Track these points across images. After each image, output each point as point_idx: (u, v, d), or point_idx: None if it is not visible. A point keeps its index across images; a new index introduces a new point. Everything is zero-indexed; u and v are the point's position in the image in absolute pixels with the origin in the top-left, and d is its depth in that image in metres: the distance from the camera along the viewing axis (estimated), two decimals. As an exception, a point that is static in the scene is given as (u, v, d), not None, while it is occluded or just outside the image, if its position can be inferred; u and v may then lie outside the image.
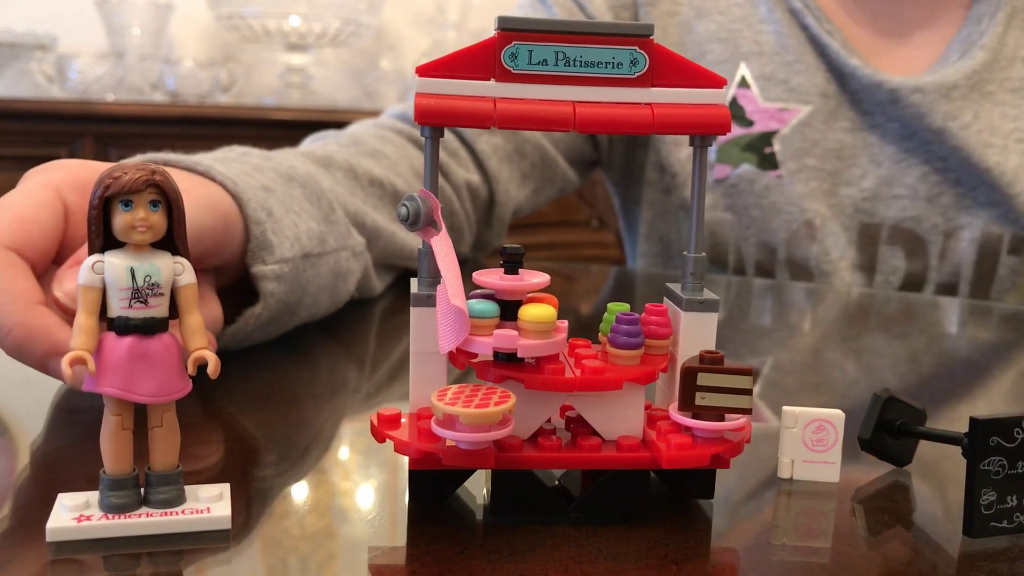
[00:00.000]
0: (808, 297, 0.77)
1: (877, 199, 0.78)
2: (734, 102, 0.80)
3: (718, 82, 0.33)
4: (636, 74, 0.33)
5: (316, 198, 0.56)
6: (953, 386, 0.56)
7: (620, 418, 0.33)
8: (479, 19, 1.95)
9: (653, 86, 0.33)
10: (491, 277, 0.32)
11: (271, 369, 0.51)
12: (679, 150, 0.82)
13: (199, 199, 0.47)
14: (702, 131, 0.33)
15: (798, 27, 0.78)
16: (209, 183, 0.48)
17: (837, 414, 0.36)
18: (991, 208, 0.77)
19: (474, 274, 0.32)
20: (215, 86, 1.77)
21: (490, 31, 0.33)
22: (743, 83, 0.79)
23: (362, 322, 0.62)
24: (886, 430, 0.37)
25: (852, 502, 0.36)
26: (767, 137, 0.79)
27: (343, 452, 0.41)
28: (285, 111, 1.69)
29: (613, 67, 0.33)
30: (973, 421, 0.31)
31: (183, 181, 0.50)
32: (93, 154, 1.51)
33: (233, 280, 0.50)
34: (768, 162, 0.79)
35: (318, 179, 0.58)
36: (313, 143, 0.72)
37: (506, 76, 0.32)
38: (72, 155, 1.51)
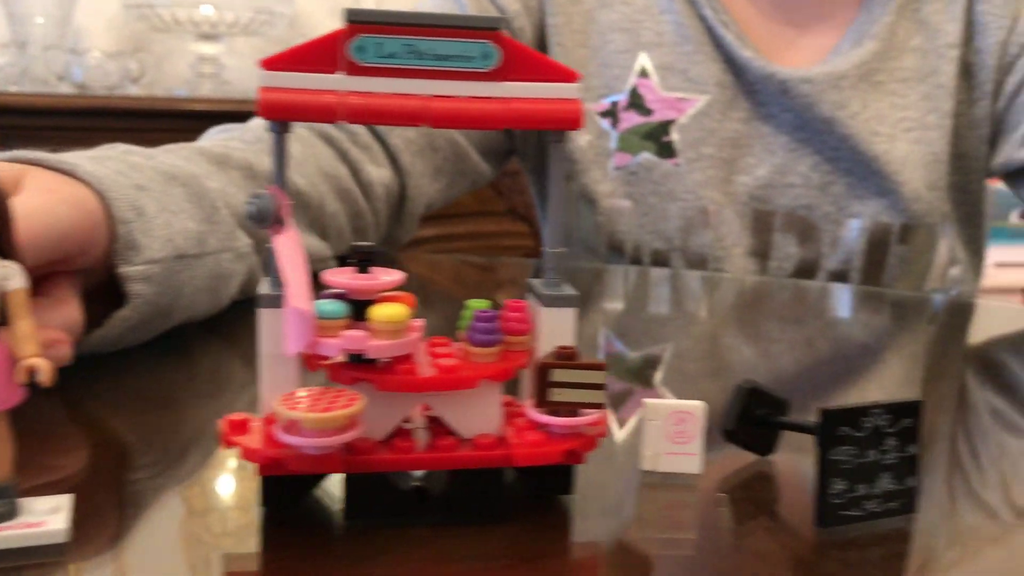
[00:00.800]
0: (704, 285, 0.77)
1: (771, 187, 0.80)
2: (634, 91, 0.80)
3: (570, 76, 0.33)
4: (488, 68, 0.32)
5: (198, 198, 0.54)
6: (844, 372, 0.57)
7: (477, 416, 0.32)
8: (396, 7, 1.92)
9: (505, 80, 0.32)
10: (341, 276, 0.31)
11: (148, 370, 0.49)
12: (579, 136, 0.82)
13: (64, 198, 0.45)
14: (553, 126, 0.33)
15: (696, 17, 0.79)
16: (76, 182, 0.47)
17: (698, 406, 0.36)
18: (880, 197, 0.78)
19: (323, 273, 0.32)
20: (124, 77, 1.72)
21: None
22: (643, 73, 0.80)
23: (248, 319, 0.61)
24: (749, 421, 0.37)
25: (717, 493, 0.36)
26: (665, 126, 0.79)
27: (221, 455, 0.39)
28: (197, 102, 1.65)
29: (464, 61, 0.32)
30: (822, 412, 0.32)
31: (50, 180, 0.48)
32: (-8, 148, 1.46)
33: (104, 281, 0.48)
34: (667, 150, 0.80)
35: (204, 178, 0.57)
36: (217, 136, 0.70)
37: (354, 69, 0.31)
38: (-30, 149, 1.46)
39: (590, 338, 0.62)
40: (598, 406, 0.32)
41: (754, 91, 0.78)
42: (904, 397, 0.33)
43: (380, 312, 0.30)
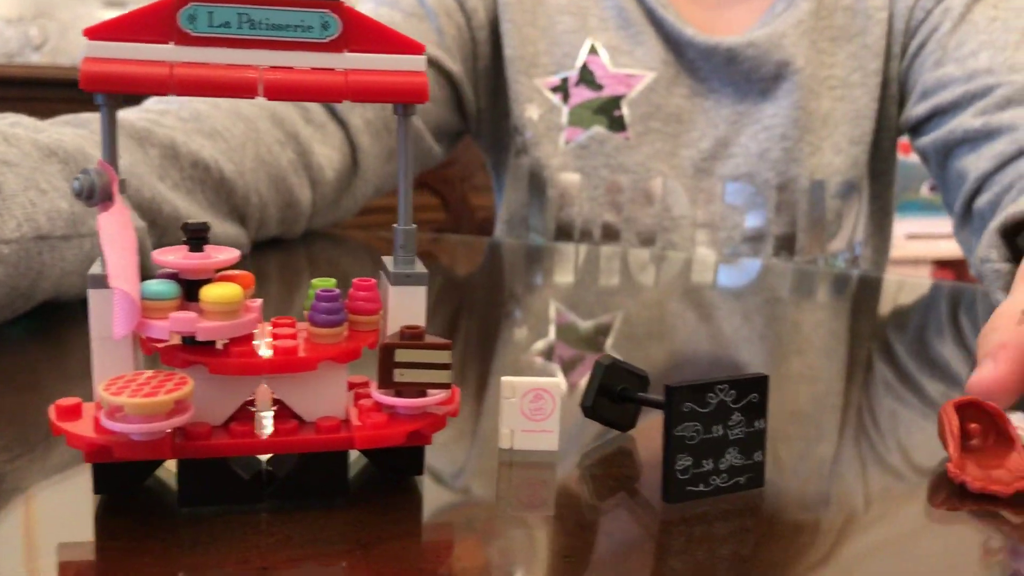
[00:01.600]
0: (654, 262, 0.78)
1: (715, 159, 0.81)
2: (585, 68, 0.82)
3: (417, 48, 0.32)
4: (328, 38, 0.31)
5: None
6: (776, 346, 0.57)
7: (320, 399, 0.32)
8: None
9: (347, 51, 0.31)
10: (171, 256, 0.30)
11: (14, 350, 0.48)
12: (530, 110, 0.82)
13: None
14: (398, 99, 0.32)
15: (636, 2, 0.81)
16: None
17: (554, 382, 0.36)
18: (813, 156, 0.80)
19: (153, 253, 0.30)
20: (25, 44, 1.65)
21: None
22: (593, 51, 0.81)
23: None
24: (609, 396, 0.37)
25: (577, 469, 0.36)
26: (616, 101, 0.81)
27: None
28: None
29: (303, 31, 0.31)
30: (666, 388, 0.32)
31: None
32: None
33: None
34: (617, 124, 0.81)
35: (94, 156, 0.55)
36: (154, 107, 0.68)
37: (185, 39, 0.30)
38: None
39: (541, 312, 0.63)
40: (445, 386, 0.31)
41: (695, 68, 0.80)
42: (750, 373, 0.33)
43: (210, 293, 0.29)
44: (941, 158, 0.78)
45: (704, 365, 0.53)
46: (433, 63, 0.81)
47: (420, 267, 0.33)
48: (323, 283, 0.32)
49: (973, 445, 0.37)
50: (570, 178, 0.82)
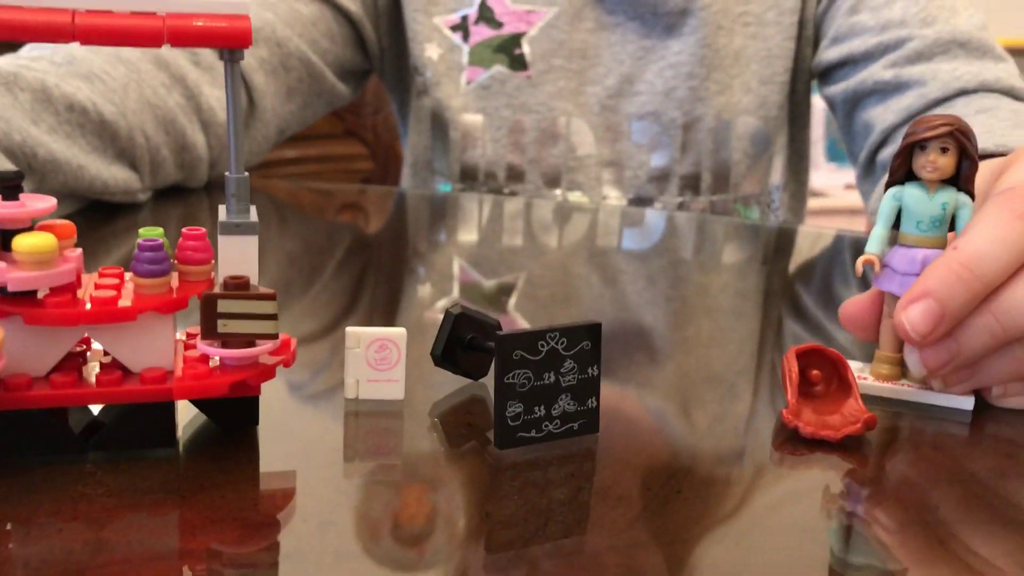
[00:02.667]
0: (558, 214, 0.78)
1: (620, 96, 0.80)
2: (483, 4, 0.80)
3: (240, -9, 0.31)
4: (147, -19, 0.30)
5: None
6: (681, 308, 0.58)
7: (144, 350, 0.31)
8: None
9: (168, -6, 0.30)
10: (-17, 205, 0.30)
11: None
12: (429, 49, 0.80)
13: None
14: (221, 44, 0.31)
15: None
16: None
17: (399, 332, 0.36)
18: (720, 96, 0.80)
19: (-36, 203, 0.30)
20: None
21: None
22: None
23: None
24: (459, 345, 0.37)
25: (427, 418, 0.36)
26: (516, 39, 0.79)
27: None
28: None
29: (120, -28, 0.30)
30: (497, 337, 0.32)
31: None
32: None
33: None
34: (518, 63, 0.79)
35: None
36: (27, 54, 0.66)
37: (-6, -19, 0.29)
38: None
39: (445, 269, 0.62)
40: (272, 336, 0.31)
41: (602, 0, 0.78)
42: (585, 320, 0.33)
43: (22, 243, 0.29)
44: (849, 108, 0.79)
45: (607, 331, 0.53)
46: (330, 1, 0.79)
47: (253, 216, 0.33)
48: (149, 232, 0.32)
49: (816, 391, 0.37)
50: (472, 119, 0.81)
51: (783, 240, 0.76)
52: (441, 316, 0.37)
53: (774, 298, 0.60)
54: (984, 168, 0.40)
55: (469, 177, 0.84)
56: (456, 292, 0.57)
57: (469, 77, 0.80)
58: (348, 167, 1.35)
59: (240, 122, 0.33)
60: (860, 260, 0.39)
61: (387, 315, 0.52)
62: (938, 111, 0.72)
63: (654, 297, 0.58)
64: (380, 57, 0.87)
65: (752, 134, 0.83)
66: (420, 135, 0.87)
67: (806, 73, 0.86)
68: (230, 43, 0.31)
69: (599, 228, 0.76)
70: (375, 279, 0.61)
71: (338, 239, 0.71)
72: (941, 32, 0.73)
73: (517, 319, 0.51)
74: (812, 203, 1.36)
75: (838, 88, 0.78)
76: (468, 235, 0.73)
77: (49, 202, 0.30)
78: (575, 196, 0.84)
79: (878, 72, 0.75)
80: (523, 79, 0.80)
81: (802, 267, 0.70)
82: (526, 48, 0.80)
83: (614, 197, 0.84)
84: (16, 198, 0.30)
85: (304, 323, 0.49)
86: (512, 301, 0.54)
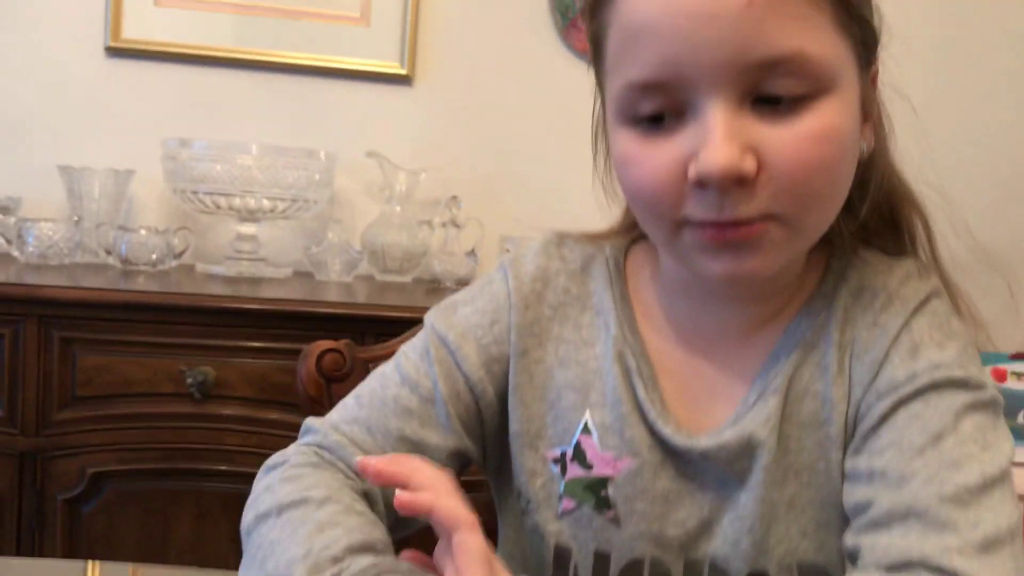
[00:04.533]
0: None
1: (699, 539, 0.86)
2: (578, 446, 0.86)
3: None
4: None
5: None
6: None
7: None
8: (424, 191, 2.05)
9: None
10: None
11: None
12: (534, 478, 0.89)
13: None
14: None
15: (628, 386, 0.86)
16: None
17: None
18: (780, 544, 0.83)
19: None
20: (167, 252, 1.86)
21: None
22: (586, 429, 0.86)
23: None
24: None
25: None
26: (603, 481, 0.85)
27: None
28: (231, 299, 1.67)
29: None
30: None
31: None
32: (36, 335, 1.59)
33: None
34: (603, 503, 0.86)
35: None
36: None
37: None
38: (16, 337, 1.59)
39: None
40: None
41: (679, 455, 0.85)
42: None
43: None
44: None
45: None
46: (441, 449, 0.86)
47: None
48: None
49: None
50: (565, 545, 0.88)
51: None
52: None
53: None
54: None
55: None
56: None
57: (564, 507, 0.86)
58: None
59: None
60: None
61: None
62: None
63: None
64: (483, 455, 0.92)
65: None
66: (515, 532, 0.92)
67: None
68: None
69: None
70: None
71: None
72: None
73: None
74: None
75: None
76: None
77: None
78: None
79: (848, 538, 0.75)
80: (608, 519, 0.85)
81: None
82: (611, 491, 0.85)
83: None
84: None
85: None
86: None
